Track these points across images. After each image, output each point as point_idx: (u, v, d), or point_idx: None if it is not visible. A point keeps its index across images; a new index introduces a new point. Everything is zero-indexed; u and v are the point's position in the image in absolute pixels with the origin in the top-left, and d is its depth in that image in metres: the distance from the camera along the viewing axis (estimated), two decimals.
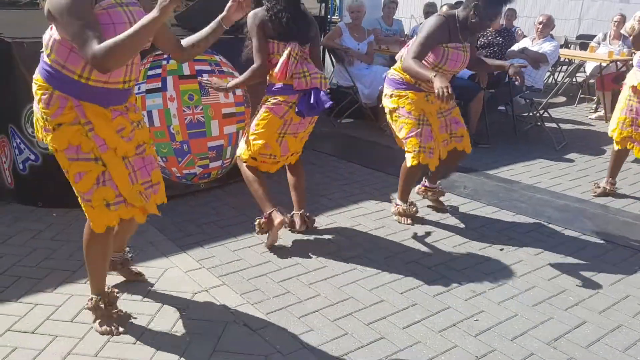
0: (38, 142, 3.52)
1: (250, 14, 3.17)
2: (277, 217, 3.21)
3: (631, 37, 4.09)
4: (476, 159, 5.17)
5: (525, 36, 7.50)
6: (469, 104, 5.63)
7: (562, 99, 6.59)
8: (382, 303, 2.83)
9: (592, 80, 8.00)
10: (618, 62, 6.96)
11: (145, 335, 2.47)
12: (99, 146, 2.21)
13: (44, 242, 3.26)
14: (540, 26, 6.33)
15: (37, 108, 2.23)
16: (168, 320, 2.59)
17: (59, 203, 3.61)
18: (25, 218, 3.56)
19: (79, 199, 2.30)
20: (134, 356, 2.34)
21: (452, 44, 3.35)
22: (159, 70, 3.76)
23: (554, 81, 8.54)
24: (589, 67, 7.67)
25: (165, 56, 3.80)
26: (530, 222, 3.88)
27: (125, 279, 2.85)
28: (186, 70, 3.82)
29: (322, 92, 3.25)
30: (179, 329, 2.53)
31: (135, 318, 2.58)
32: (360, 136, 5.91)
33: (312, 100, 3.19)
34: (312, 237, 3.49)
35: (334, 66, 6.59)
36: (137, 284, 2.85)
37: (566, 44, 9.53)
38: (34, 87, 2.23)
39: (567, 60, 8.44)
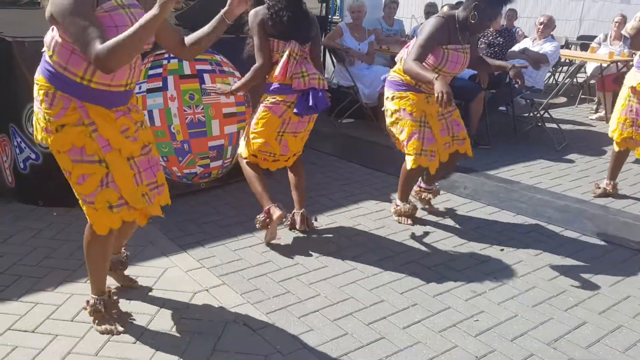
0: (38, 142, 3.52)
1: (252, 12, 3.18)
2: (276, 212, 3.23)
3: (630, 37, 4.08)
4: (476, 159, 5.15)
5: (526, 37, 7.50)
6: (469, 104, 5.63)
7: (563, 99, 6.59)
8: (382, 303, 2.83)
9: (592, 81, 8.00)
10: (619, 63, 6.96)
11: (145, 335, 2.48)
12: (102, 147, 2.20)
13: (44, 241, 3.26)
14: (541, 27, 6.34)
15: (38, 108, 2.21)
16: (168, 320, 2.59)
17: (59, 202, 3.61)
18: (26, 217, 3.56)
19: (80, 201, 2.29)
20: (134, 355, 2.34)
21: (451, 46, 3.35)
22: (159, 70, 3.77)
23: (554, 82, 8.54)
24: (590, 67, 7.67)
25: (166, 56, 3.80)
26: (531, 223, 3.88)
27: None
28: (187, 70, 3.82)
29: (320, 93, 3.25)
30: (179, 329, 2.53)
31: (133, 319, 2.58)
32: (360, 136, 5.91)
33: (310, 101, 3.20)
34: (312, 237, 3.50)
35: (334, 66, 6.59)
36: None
37: (567, 45, 9.53)
38: (35, 87, 2.22)
39: (567, 60, 8.43)
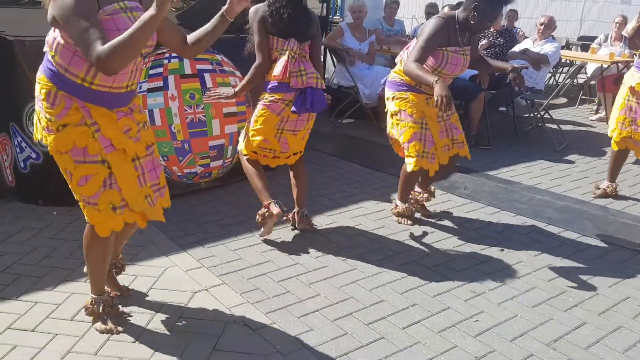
0: (37, 142, 3.53)
1: (252, 9, 3.18)
2: (274, 209, 3.25)
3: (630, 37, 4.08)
4: (477, 159, 5.17)
5: (526, 37, 7.51)
6: (470, 104, 5.63)
7: (563, 100, 6.59)
8: (382, 303, 2.83)
9: (593, 82, 8.00)
10: (619, 64, 6.96)
11: (144, 334, 2.48)
12: (104, 147, 2.19)
13: (44, 241, 3.26)
14: (542, 27, 6.34)
15: (40, 108, 2.20)
16: (168, 319, 2.59)
17: (59, 201, 3.61)
18: (26, 216, 3.56)
19: (80, 202, 2.27)
20: (133, 355, 2.34)
21: (451, 48, 3.34)
22: (160, 69, 3.77)
23: (555, 82, 8.54)
24: (590, 68, 7.67)
25: (166, 55, 3.80)
26: (531, 223, 3.88)
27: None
28: (187, 70, 3.82)
29: (318, 92, 3.26)
30: (179, 328, 2.54)
31: (131, 317, 2.58)
32: (360, 136, 5.91)
33: (307, 100, 3.20)
34: (312, 237, 3.50)
35: (335, 66, 6.59)
36: (136, 284, 2.86)
37: (567, 45, 9.53)
38: (37, 87, 2.21)
39: (568, 61, 8.44)
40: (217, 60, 4.01)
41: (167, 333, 2.50)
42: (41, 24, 2.46)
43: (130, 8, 2.14)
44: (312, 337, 2.53)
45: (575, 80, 7.55)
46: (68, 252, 3.14)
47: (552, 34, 6.55)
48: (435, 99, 3.03)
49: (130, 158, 2.26)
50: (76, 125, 2.16)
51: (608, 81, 6.84)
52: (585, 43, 9.09)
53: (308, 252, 3.31)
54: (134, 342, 2.42)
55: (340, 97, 6.36)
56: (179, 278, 2.95)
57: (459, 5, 3.40)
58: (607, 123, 5.53)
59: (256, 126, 3.31)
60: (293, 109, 3.23)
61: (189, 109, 3.79)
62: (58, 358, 2.30)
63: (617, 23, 7.45)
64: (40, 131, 2.24)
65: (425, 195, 3.90)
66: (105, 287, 2.54)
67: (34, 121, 2.29)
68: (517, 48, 6.41)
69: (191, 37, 2.40)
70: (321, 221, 3.73)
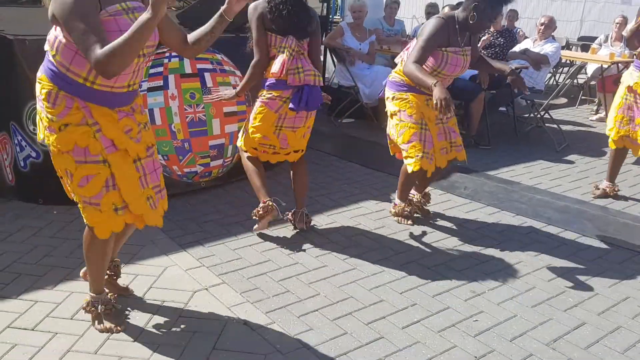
0: (40, 141, 3.52)
1: (251, 5, 3.18)
2: (270, 208, 3.30)
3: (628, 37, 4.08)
4: (477, 159, 5.17)
5: (526, 37, 7.51)
6: (470, 104, 5.63)
7: (563, 100, 6.59)
8: (381, 303, 2.83)
9: (593, 82, 8.00)
10: (619, 64, 6.96)
11: (144, 333, 2.48)
12: (105, 148, 2.18)
13: (44, 240, 3.27)
14: (542, 27, 6.34)
15: (41, 107, 2.20)
16: (167, 319, 2.59)
17: (59, 200, 3.58)
18: (26, 215, 3.56)
19: (80, 204, 2.26)
20: (133, 354, 2.34)
21: (451, 48, 3.34)
22: (160, 69, 3.77)
23: (555, 82, 8.54)
24: (590, 68, 7.67)
25: (167, 54, 3.80)
26: (530, 223, 3.88)
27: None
28: (188, 69, 3.82)
29: (316, 90, 3.26)
30: (179, 327, 2.54)
31: (130, 317, 2.58)
32: (360, 136, 5.92)
33: (304, 97, 3.21)
34: (312, 237, 3.50)
35: (335, 66, 6.59)
36: (136, 283, 2.86)
37: (568, 46, 9.53)
38: (38, 86, 2.20)
39: (568, 61, 8.44)
40: (217, 59, 4.01)
41: (167, 332, 2.50)
42: (41, 23, 2.46)
43: (132, 9, 2.13)
44: (312, 336, 2.53)
45: (575, 81, 7.55)
46: (68, 251, 3.14)
47: (552, 34, 6.55)
48: (435, 102, 3.04)
49: (132, 159, 2.26)
50: (77, 125, 2.16)
51: (608, 81, 6.84)
52: (585, 43, 9.09)
53: (308, 252, 3.31)
54: (134, 341, 2.42)
55: (340, 97, 6.36)
56: (179, 277, 2.96)
57: (459, 5, 3.39)
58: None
59: (255, 123, 3.32)
60: (290, 106, 3.24)
61: (189, 108, 3.79)
62: (58, 357, 2.30)
63: (617, 23, 7.45)
64: (42, 131, 2.24)
65: (423, 200, 3.88)
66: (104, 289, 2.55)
67: (37, 121, 2.29)
68: (517, 48, 6.41)
69: (191, 37, 2.39)
70: (321, 221, 3.73)
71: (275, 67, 3.20)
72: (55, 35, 2.11)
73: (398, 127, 3.50)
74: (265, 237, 3.45)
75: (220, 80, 3.92)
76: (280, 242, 3.41)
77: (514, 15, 7.42)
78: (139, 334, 2.47)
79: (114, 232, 2.31)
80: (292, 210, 3.57)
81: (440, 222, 3.83)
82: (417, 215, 3.87)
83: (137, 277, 2.92)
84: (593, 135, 6.42)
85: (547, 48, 6.17)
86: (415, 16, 10.12)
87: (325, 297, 2.85)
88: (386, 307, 2.79)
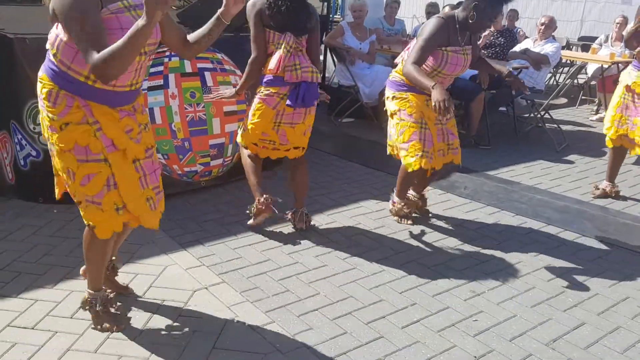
0: (42, 140, 3.53)
1: (250, 2, 3.18)
2: (265, 206, 3.37)
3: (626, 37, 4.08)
4: (477, 159, 5.18)
5: (527, 37, 7.51)
6: (470, 104, 5.63)
7: (564, 100, 6.59)
8: (381, 302, 2.83)
9: (593, 82, 8.01)
10: (619, 64, 6.96)
11: (144, 333, 2.48)
12: (106, 147, 2.18)
13: (44, 238, 3.27)
14: (543, 27, 6.34)
15: (42, 107, 2.20)
16: (167, 318, 2.59)
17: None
18: (26, 214, 3.56)
19: (81, 204, 2.25)
20: (133, 353, 2.34)
21: (451, 48, 3.34)
22: (160, 68, 3.77)
23: (555, 82, 8.54)
24: (591, 68, 7.67)
25: (167, 53, 3.80)
26: (530, 223, 3.88)
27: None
28: (188, 68, 3.82)
29: (313, 86, 3.26)
30: (178, 327, 2.54)
31: (130, 316, 2.58)
32: (360, 136, 5.92)
33: (301, 94, 3.21)
34: (312, 236, 3.50)
35: (335, 65, 6.59)
36: (136, 282, 2.86)
37: (568, 46, 9.54)
38: (39, 86, 2.20)
39: (568, 61, 8.44)
40: (217, 58, 4.01)
41: (167, 331, 2.50)
42: (41, 22, 2.46)
43: (134, 6, 2.12)
44: (312, 335, 2.53)
45: (575, 81, 7.55)
46: (68, 250, 3.14)
47: (552, 34, 6.55)
48: (433, 103, 3.04)
49: (131, 159, 2.25)
50: (78, 123, 2.15)
51: (608, 81, 6.84)
52: (585, 43, 9.10)
53: (308, 251, 3.31)
54: (134, 340, 2.42)
55: (340, 97, 6.37)
56: (179, 276, 2.96)
57: (459, 4, 3.39)
58: None
59: (254, 120, 3.34)
60: (288, 102, 3.25)
61: (189, 108, 3.79)
62: (58, 356, 2.30)
63: (617, 23, 7.45)
64: (45, 130, 2.24)
65: (419, 203, 3.87)
66: (103, 287, 2.54)
67: (40, 120, 2.28)
68: (517, 48, 6.41)
69: (190, 38, 2.39)
70: (321, 220, 3.73)
71: (272, 63, 3.21)
72: (56, 33, 2.11)
73: (398, 127, 3.50)
74: (265, 237, 3.45)
75: (221, 79, 3.92)
76: (280, 241, 3.41)
77: (514, 15, 7.43)
78: (138, 333, 2.47)
79: (115, 232, 2.30)
80: (292, 210, 3.58)
81: (440, 222, 3.83)
82: (416, 214, 3.87)
83: (137, 276, 2.92)
84: (593, 136, 6.41)
85: (548, 48, 6.17)
86: (415, 16, 10.13)
87: (325, 296, 2.86)
88: (386, 307, 2.79)
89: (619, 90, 4.17)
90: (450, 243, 3.52)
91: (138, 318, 2.57)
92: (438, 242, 3.53)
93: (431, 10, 7.26)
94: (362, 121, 6.38)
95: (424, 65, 3.34)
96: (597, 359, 2.49)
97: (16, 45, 3.46)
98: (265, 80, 3.28)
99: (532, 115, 6.13)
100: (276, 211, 3.42)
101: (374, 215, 3.87)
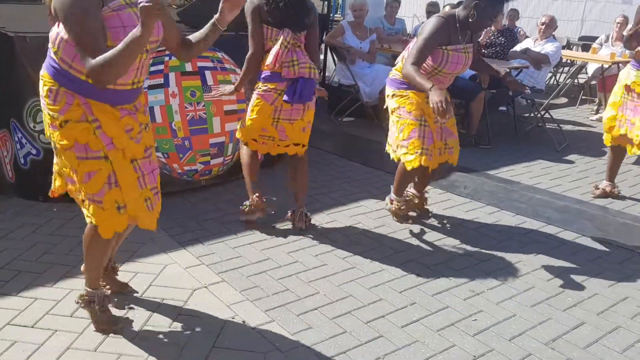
0: (42, 138, 3.53)
1: None
2: (257, 206, 3.45)
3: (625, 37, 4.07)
4: (477, 159, 5.18)
5: (527, 37, 7.51)
6: (470, 104, 5.63)
7: (564, 100, 6.59)
8: (381, 302, 2.83)
9: (593, 82, 8.00)
10: (620, 64, 6.96)
11: (144, 331, 2.48)
12: (105, 145, 2.17)
13: (44, 237, 3.27)
14: (543, 27, 6.34)
15: (43, 105, 2.20)
16: (167, 317, 2.60)
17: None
18: (26, 212, 3.56)
19: (85, 202, 2.25)
20: (133, 352, 2.34)
21: (452, 46, 3.33)
22: (161, 67, 3.77)
23: (555, 82, 8.54)
24: (591, 68, 7.67)
25: (167, 52, 3.80)
26: (530, 223, 3.88)
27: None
28: (188, 67, 3.82)
29: (310, 82, 3.26)
30: (178, 326, 2.54)
31: (129, 317, 2.58)
32: (361, 135, 5.92)
33: (298, 90, 3.21)
34: (311, 235, 3.50)
35: (335, 64, 6.59)
36: (136, 281, 2.86)
37: (568, 45, 9.53)
38: (40, 83, 2.20)
39: (569, 61, 8.44)
40: (217, 57, 4.01)
41: (167, 330, 2.50)
42: (42, 20, 2.46)
43: (136, 2, 2.12)
44: (311, 335, 2.53)
45: (575, 80, 7.55)
46: (68, 249, 3.14)
47: (553, 33, 6.55)
48: (431, 105, 3.03)
49: (129, 159, 2.25)
50: (77, 121, 2.15)
51: (609, 81, 6.84)
52: (586, 43, 9.09)
53: (307, 250, 3.31)
54: (133, 339, 2.42)
55: (340, 96, 6.37)
56: (179, 275, 2.96)
57: (460, 4, 3.38)
58: None
59: (252, 115, 3.35)
60: (285, 98, 3.25)
61: (189, 106, 3.79)
62: (57, 354, 2.31)
63: (618, 23, 7.44)
64: (47, 128, 2.24)
65: (417, 201, 3.86)
66: (102, 282, 2.54)
67: (42, 118, 2.28)
68: (518, 47, 6.41)
69: (186, 41, 2.40)
70: (321, 219, 3.73)
71: (269, 59, 3.22)
72: (57, 32, 2.10)
73: (398, 124, 3.49)
74: (265, 236, 3.45)
75: (221, 78, 3.92)
76: (280, 240, 3.41)
77: (514, 14, 7.42)
78: (138, 332, 2.47)
79: (117, 231, 2.30)
80: (292, 210, 3.58)
81: (440, 222, 3.83)
82: (415, 212, 3.87)
83: (136, 274, 2.92)
84: (593, 135, 6.41)
85: (548, 47, 6.17)
86: (416, 15, 10.13)
87: (324, 295, 2.86)
88: (385, 306, 2.79)
89: (618, 90, 4.17)
90: (450, 242, 3.52)
91: (138, 317, 2.58)
92: (438, 241, 3.53)
93: (432, 9, 7.25)
94: (363, 120, 6.38)
95: (424, 64, 3.33)
96: (597, 358, 2.49)
97: (16, 44, 3.46)
98: (263, 76, 3.30)
99: (532, 114, 6.12)
100: (272, 210, 3.44)
101: (373, 214, 3.87)
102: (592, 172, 5.06)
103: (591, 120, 7.18)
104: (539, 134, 6.18)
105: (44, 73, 2.20)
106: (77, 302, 2.48)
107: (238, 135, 3.53)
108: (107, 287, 2.62)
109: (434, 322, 2.68)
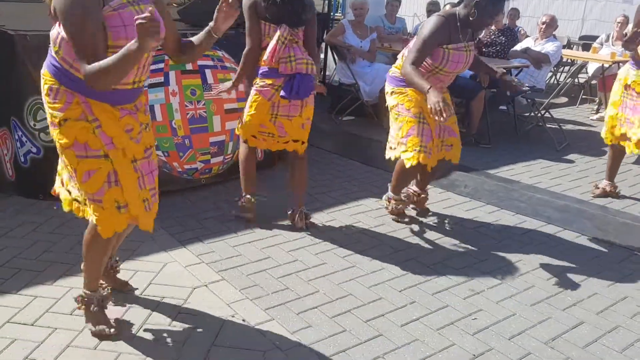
0: (42, 137, 3.53)
1: None
2: (247, 209, 3.53)
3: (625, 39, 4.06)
4: (477, 158, 5.18)
5: (528, 36, 7.50)
6: (470, 102, 5.63)
7: (564, 99, 6.59)
8: (380, 300, 2.83)
9: (594, 81, 8.00)
10: (620, 64, 6.95)
11: (144, 330, 2.48)
12: (105, 144, 2.17)
13: (44, 235, 3.27)
14: (544, 26, 6.34)
15: (44, 103, 2.20)
16: (167, 315, 2.60)
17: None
18: (26, 211, 3.56)
19: (85, 201, 2.25)
20: (132, 350, 2.34)
21: (453, 45, 3.32)
22: (161, 65, 3.77)
23: (556, 81, 8.53)
24: (591, 68, 7.67)
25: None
26: (530, 222, 3.88)
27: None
28: (188, 65, 3.82)
29: (308, 78, 3.26)
30: (178, 324, 2.54)
31: (130, 325, 2.57)
32: (361, 134, 5.92)
33: (295, 86, 3.21)
34: (311, 234, 3.50)
35: (336, 63, 6.59)
36: (135, 279, 2.86)
37: (569, 45, 9.53)
38: (41, 82, 2.20)
39: (569, 60, 8.44)
40: (218, 56, 4.01)
41: (166, 328, 2.50)
42: (42, 18, 2.46)
43: (138, 0, 2.11)
44: (311, 333, 2.53)
45: (576, 80, 7.54)
46: (68, 247, 3.14)
47: (553, 33, 6.54)
48: (429, 106, 3.03)
49: (129, 159, 2.25)
50: (76, 120, 2.15)
51: (609, 81, 6.83)
52: (586, 42, 9.10)
53: (307, 249, 3.31)
54: (133, 337, 2.42)
55: (341, 95, 6.37)
56: (178, 274, 2.96)
57: (460, 2, 3.38)
58: None
59: (250, 111, 3.36)
60: (282, 93, 3.26)
61: (189, 105, 3.79)
62: (57, 352, 2.31)
63: (618, 22, 7.44)
64: (49, 126, 2.23)
65: (422, 196, 3.86)
66: (101, 281, 2.54)
67: (45, 117, 2.29)
68: (518, 47, 6.41)
69: (183, 45, 2.40)
70: (321, 218, 3.73)
71: (266, 54, 3.22)
72: (58, 31, 2.09)
73: (397, 121, 3.49)
74: (264, 234, 3.45)
75: (221, 77, 3.92)
76: (280, 239, 3.41)
77: (515, 13, 7.42)
78: (138, 330, 2.47)
79: (117, 231, 2.29)
80: (292, 209, 3.58)
81: (440, 220, 3.83)
82: (415, 209, 3.87)
83: (136, 273, 2.92)
84: (593, 135, 6.41)
85: (548, 47, 6.17)
86: (416, 14, 10.12)
87: (324, 294, 2.86)
88: (385, 305, 2.80)
89: (618, 89, 4.16)
90: (450, 241, 3.52)
91: (137, 315, 2.58)
92: (438, 240, 3.53)
93: (432, 8, 7.25)
94: (363, 119, 6.38)
95: (425, 63, 3.33)
96: (596, 358, 2.50)
97: (17, 42, 3.46)
98: (260, 72, 3.30)
99: (532, 114, 6.12)
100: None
101: (373, 213, 3.88)
102: (592, 171, 5.06)
103: (591, 119, 7.18)
104: (539, 133, 6.17)
105: (44, 71, 2.20)
106: (76, 302, 2.49)
107: (238, 132, 3.54)
108: (107, 286, 2.61)
109: (433, 321, 2.68)
